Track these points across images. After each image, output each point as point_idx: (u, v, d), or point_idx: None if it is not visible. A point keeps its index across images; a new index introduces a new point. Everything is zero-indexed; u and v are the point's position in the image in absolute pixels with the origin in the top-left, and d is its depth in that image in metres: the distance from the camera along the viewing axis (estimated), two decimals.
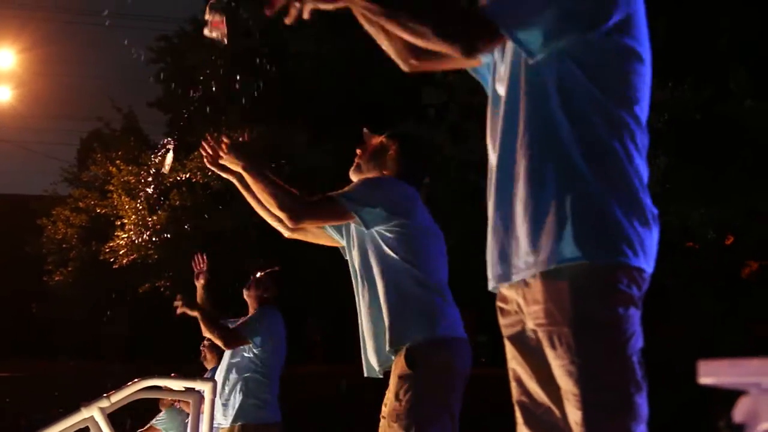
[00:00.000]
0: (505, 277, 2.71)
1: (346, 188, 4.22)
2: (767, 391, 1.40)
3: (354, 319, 4.45)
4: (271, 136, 20.06)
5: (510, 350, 2.79)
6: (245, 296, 7.75)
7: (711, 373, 1.47)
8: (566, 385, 2.55)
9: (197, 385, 5.60)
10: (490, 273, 2.77)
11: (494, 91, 2.86)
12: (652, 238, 2.63)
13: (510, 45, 2.74)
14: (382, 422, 4.15)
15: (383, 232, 4.21)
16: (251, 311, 7.62)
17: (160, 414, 10.12)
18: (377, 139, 4.54)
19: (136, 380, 5.39)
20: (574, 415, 2.54)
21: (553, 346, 2.57)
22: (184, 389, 5.87)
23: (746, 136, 14.17)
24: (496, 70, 2.87)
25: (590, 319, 2.53)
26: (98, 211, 21.89)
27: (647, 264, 2.60)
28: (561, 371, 2.56)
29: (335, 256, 4.67)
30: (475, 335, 17.84)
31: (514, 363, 2.78)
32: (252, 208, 4.63)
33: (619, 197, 2.58)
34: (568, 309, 2.55)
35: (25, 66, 25.50)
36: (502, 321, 2.82)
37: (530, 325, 2.67)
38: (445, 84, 16.61)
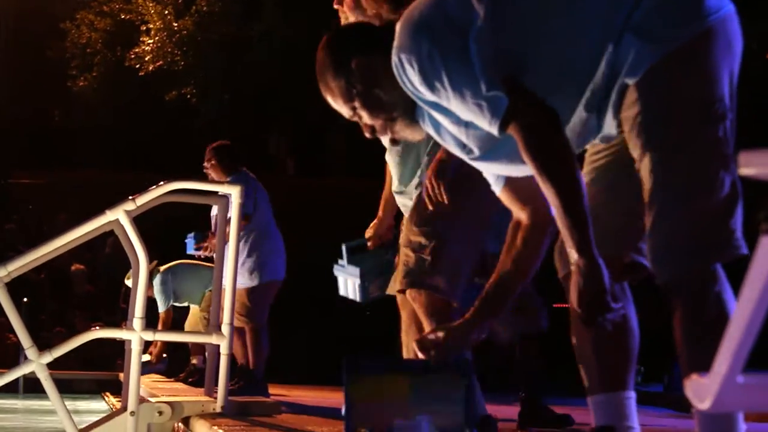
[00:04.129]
0: None
1: None
2: None
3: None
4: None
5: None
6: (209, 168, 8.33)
7: (751, 164, 1.47)
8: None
9: (224, 189, 5.63)
10: None
11: None
12: None
13: None
14: None
15: None
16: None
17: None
18: None
19: (161, 183, 5.42)
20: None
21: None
22: (210, 193, 5.94)
23: None
24: None
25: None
26: (123, 16, 21.75)
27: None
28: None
29: None
30: None
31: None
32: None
33: None
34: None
35: None
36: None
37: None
38: None
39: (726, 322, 2.51)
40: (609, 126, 2.79)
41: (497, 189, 3.10)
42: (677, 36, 2.66)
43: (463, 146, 2.91)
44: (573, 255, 2.67)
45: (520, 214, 3.07)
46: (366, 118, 2.95)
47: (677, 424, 6.53)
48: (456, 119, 2.83)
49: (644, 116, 2.67)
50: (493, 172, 3.04)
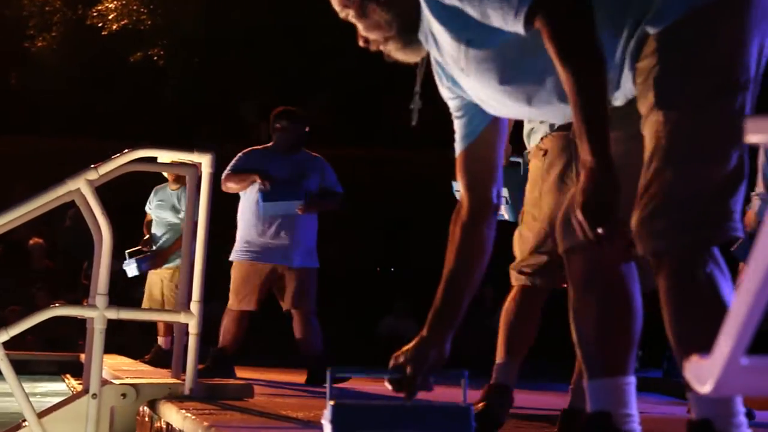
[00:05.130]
0: None
1: None
2: None
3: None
4: None
5: None
6: (282, 127, 8.17)
7: (760, 130, 1.47)
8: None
9: (194, 158, 5.61)
10: None
11: None
12: None
13: None
14: None
15: None
16: (278, 142, 8.42)
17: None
18: None
19: (126, 151, 5.41)
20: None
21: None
22: (179, 162, 5.91)
23: None
24: None
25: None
26: None
27: None
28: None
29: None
30: None
31: None
32: None
33: None
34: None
35: None
36: None
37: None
38: None
39: (716, 307, 2.53)
40: (626, 79, 2.78)
41: (458, 148, 3.10)
42: None
43: (461, 70, 2.90)
44: (587, 158, 2.59)
45: (464, 193, 3.08)
46: (360, 29, 2.97)
47: (676, 411, 6.57)
48: (457, 31, 2.81)
49: (660, 70, 2.66)
50: (478, 108, 3.03)
